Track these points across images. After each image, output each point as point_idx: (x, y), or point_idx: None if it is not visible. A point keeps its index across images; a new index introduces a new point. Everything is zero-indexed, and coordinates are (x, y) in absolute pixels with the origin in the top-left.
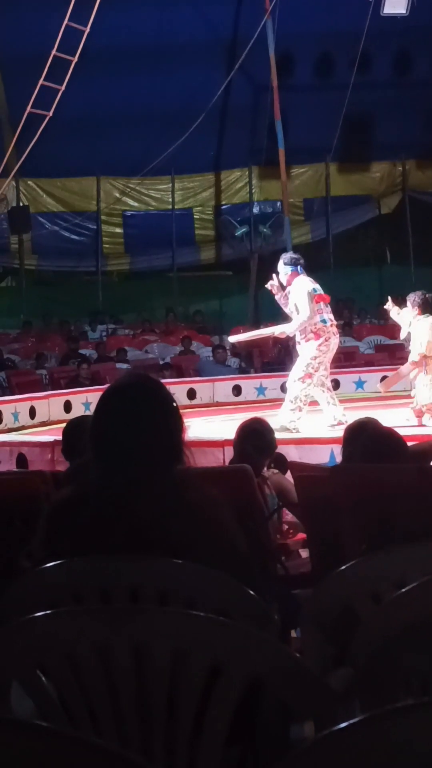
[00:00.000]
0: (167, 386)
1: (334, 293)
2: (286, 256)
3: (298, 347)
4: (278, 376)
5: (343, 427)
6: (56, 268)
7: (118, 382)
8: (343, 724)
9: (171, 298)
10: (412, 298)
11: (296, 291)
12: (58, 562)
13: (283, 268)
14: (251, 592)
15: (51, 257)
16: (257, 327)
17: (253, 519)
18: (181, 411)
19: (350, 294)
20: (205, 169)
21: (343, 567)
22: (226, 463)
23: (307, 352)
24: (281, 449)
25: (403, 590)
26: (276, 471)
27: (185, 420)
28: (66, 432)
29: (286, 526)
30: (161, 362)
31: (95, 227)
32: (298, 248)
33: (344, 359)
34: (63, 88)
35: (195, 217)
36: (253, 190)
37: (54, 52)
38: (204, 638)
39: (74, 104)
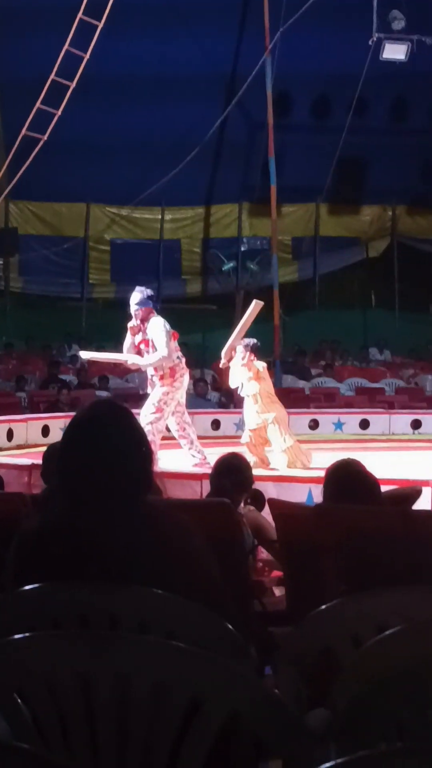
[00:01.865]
0: None
1: (318, 334)
2: (144, 293)
3: (150, 384)
4: None
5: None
6: (42, 291)
7: (84, 410)
8: (325, 766)
9: None
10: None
11: (154, 327)
12: (37, 585)
13: (144, 303)
14: (229, 626)
15: (37, 280)
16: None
17: (233, 554)
18: (160, 441)
19: (334, 335)
20: (195, 202)
21: (323, 607)
22: (204, 497)
23: (159, 389)
24: (259, 486)
25: (385, 634)
26: (252, 508)
27: (161, 450)
28: (46, 456)
29: (260, 564)
30: (141, 392)
31: (82, 253)
32: (285, 287)
33: (324, 400)
34: (59, 112)
35: (183, 248)
36: (243, 226)
37: (53, 76)
38: (185, 671)
39: (69, 130)
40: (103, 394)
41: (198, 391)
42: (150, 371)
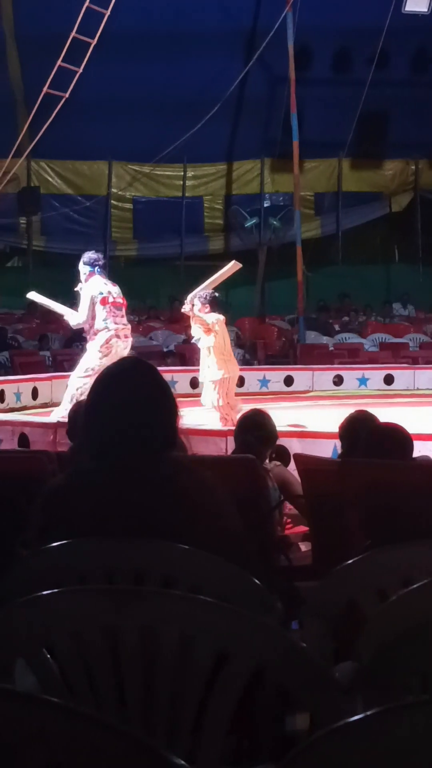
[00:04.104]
0: (171, 374)
1: (342, 289)
2: (86, 256)
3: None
4: (282, 369)
5: None
6: (64, 250)
7: (110, 367)
8: (355, 717)
9: (177, 286)
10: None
11: (84, 291)
12: (62, 542)
13: (82, 267)
14: (255, 580)
15: (59, 239)
16: (263, 319)
17: (259, 509)
18: (182, 399)
19: (357, 290)
20: (217, 159)
21: (350, 561)
22: (228, 454)
23: (90, 352)
24: (284, 442)
25: (411, 588)
26: (278, 463)
27: (187, 408)
28: (72, 414)
29: (286, 519)
30: (165, 350)
31: (105, 211)
32: (308, 242)
33: (348, 356)
34: (81, 70)
35: (205, 205)
36: (265, 182)
37: (74, 33)
38: (212, 624)
39: (90, 87)
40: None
41: None
42: (87, 333)
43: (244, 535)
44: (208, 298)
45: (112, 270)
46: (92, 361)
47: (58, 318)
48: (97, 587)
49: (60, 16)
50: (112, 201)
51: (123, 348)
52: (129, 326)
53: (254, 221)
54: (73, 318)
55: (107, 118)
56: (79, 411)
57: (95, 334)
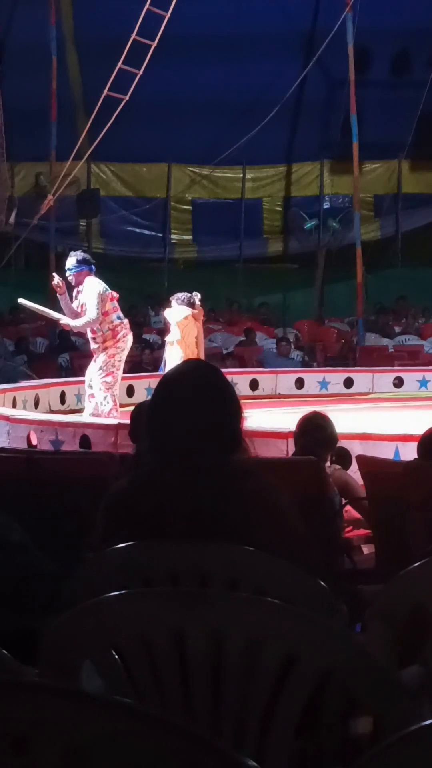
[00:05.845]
0: (230, 375)
1: (400, 291)
2: (79, 255)
3: (94, 350)
4: (341, 371)
5: None
6: (123, 252)
7: (175, 369)
8: (428, 722)
9: (235, 289)
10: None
11: (87, 290)
12: (127, 544)
13: (76, 267)
14: (320, 583)
15: (118, 242)
16: (322, 321)
17: (323, 511)
18: (241, 400)
19: (416, 293)
20: (276, 161)
21: (416, 564)
22: (289, 456)
23: (102, 354)
24: (344, 444)
25: None
26: (338, 466)
27: (246, 410)
28: (134, 416)
29: (345, 523)
30: (224, 352)
31: (164, 214)
32: (367, 244)
33: (408, 358)
34: (141, 72)
35: (264, 207)
36: (324, 184)
37: (134, 35)
38: (280, 628)
39: (149, 90)
40: None
41: (281, 351)
42: (89, 334)
43: (307, 537)
44: (184, 300)
45: (171, 272)
46: (108, 359)
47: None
48: (165, 590)
49: (118, 19)
50: (171, 203)
51: (130, 340)
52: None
53: (313, 223)
54: (81, 320)
55: (166, 120)
56: (141, 412)
57: (110, 329)
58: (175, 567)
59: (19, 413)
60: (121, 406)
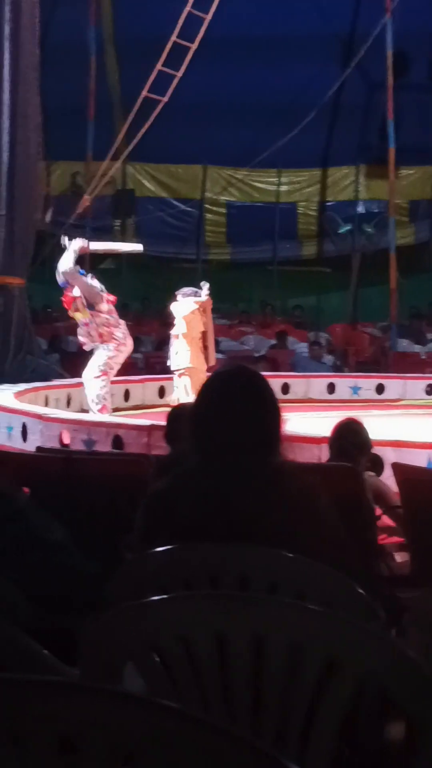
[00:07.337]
0: None
1: None
2: (61, 275)
3: (86, 336)
4: (374, 377)
5: None
6: (157, 253)
7: (219, 372)
8: None
9: (269, 291)
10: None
11: (87, 278)
12: (167, 546)
13: (63, 284)
14: (359, 588)
15: (152, 242)
16: (355, 326)
17: (360, 516)
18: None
19: None
20: (312, 165)
21: None
22: (323, 461)
23: (104, 351)
24: (377, 451)
25: None
26: (372, 473)
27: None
28: (170, 418)
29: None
30: (256, 355)
31: (198, 215)
32: (402, 249)
33: None
34: (180, 74)
35: (299, 211)
36: (360, 189)
37: (174, 37)
38: (321, 632)
39: (186, 91)
40: (218, 356)
41: (313, 354)
42: (81, 328)
43: (347, 542)
44: (190, 294)
45: (205, 273)
46: (108, 361)
47: (149, 321)
48: (207, 593)
49: (157, 20)
50: (206, 205)
51: (131, 344)
52: None
53: (348, 227)
54: (72, 269)
55: (203, 122)
56: (179, 414)
57: (108, 327)
58: (215, 570)
59: (51, 412)
60: (153, 406)
